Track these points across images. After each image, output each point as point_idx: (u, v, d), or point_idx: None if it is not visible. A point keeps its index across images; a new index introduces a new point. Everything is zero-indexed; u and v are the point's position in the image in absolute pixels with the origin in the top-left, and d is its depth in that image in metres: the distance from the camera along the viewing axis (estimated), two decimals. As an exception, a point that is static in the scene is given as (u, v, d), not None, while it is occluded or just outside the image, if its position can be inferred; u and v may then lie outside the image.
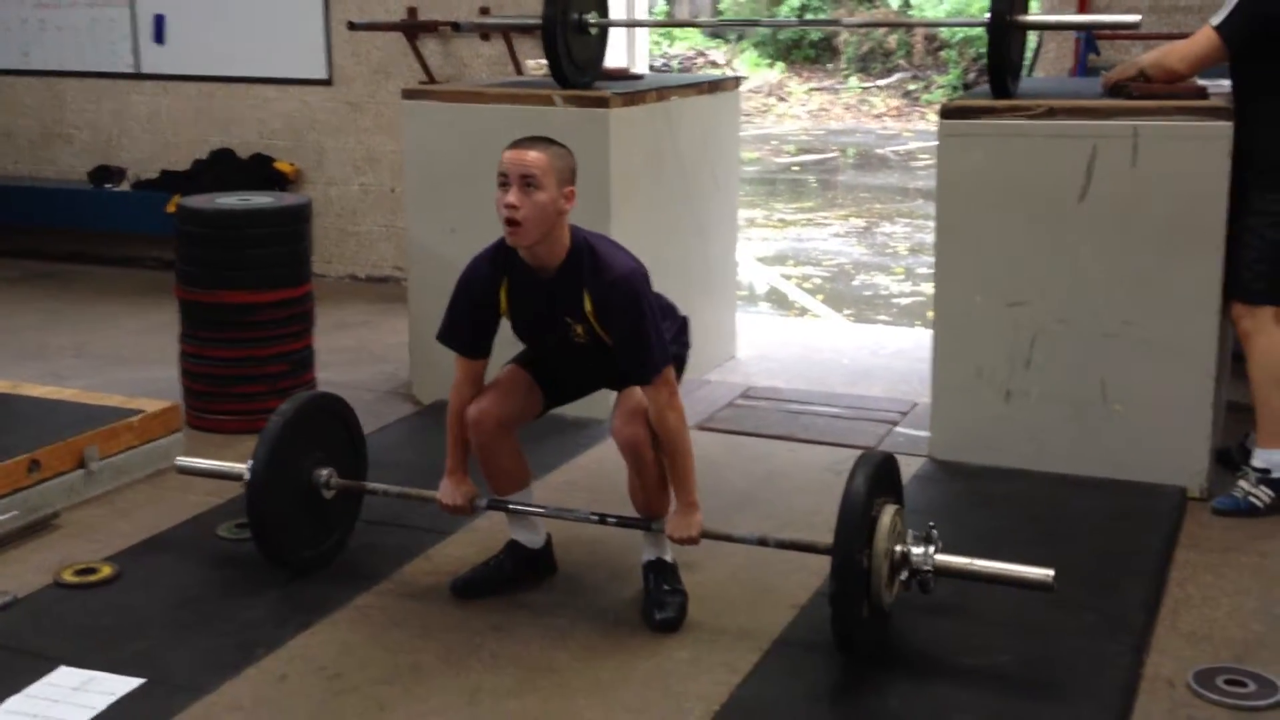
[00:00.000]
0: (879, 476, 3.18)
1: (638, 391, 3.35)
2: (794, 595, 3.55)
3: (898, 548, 3.16)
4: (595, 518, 3.55)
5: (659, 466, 3.38)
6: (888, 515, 3.15)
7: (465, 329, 3.43)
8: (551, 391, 3.58)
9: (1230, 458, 4.40)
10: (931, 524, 3.25)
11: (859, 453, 4.54)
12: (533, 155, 3.19)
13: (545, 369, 3.55)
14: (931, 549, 3.18)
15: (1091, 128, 4.16)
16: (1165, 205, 4.13)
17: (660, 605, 3.42)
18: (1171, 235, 4.15)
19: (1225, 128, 4.04)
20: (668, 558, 3.52)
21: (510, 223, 3.20)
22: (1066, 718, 2.95)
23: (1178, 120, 4.09)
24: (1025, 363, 4.34)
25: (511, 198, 3.17)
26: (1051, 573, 3.12)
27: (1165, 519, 4.02)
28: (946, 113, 4.38)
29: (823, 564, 3.71)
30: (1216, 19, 4.03)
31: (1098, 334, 4.25)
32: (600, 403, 4.31)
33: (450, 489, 3.55)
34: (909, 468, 4.43)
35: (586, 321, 3.31)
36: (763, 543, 3.42)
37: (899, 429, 4.88)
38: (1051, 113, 4.20)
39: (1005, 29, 4.25)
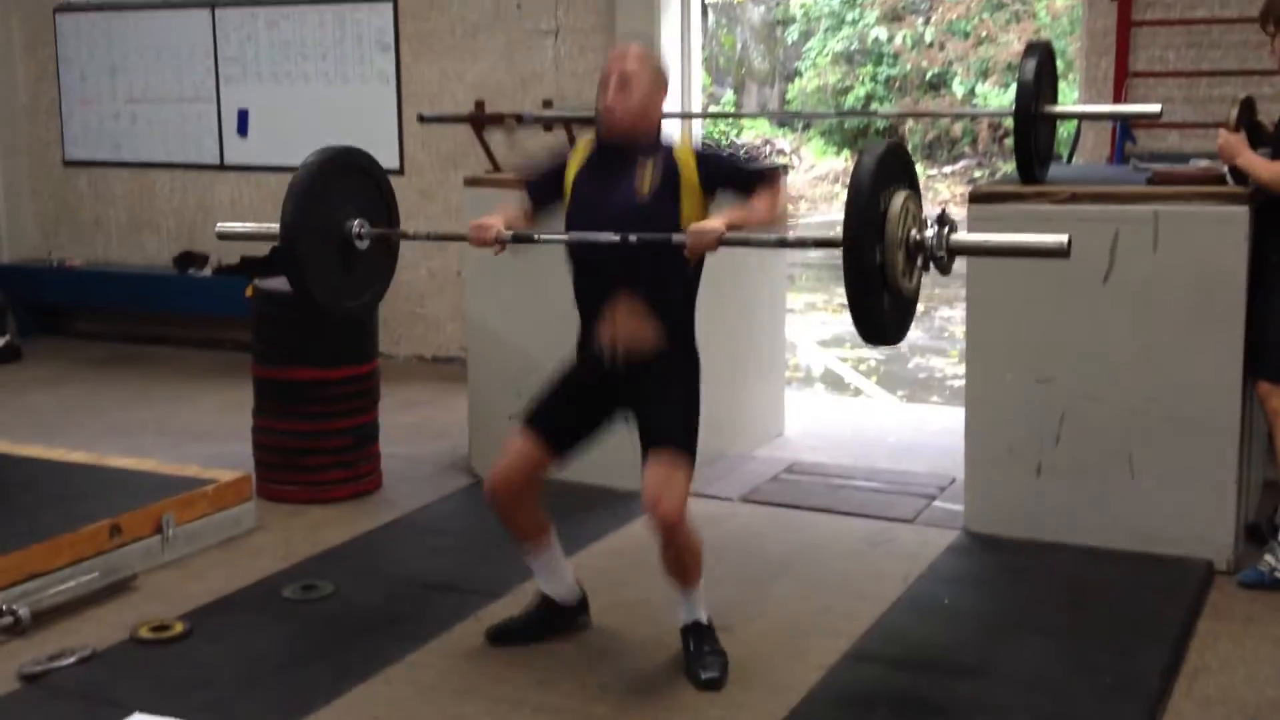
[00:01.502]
0: (886, 163, 3.08)
1: (660, 471, 3.45)
2: (823, 656, 3.71)
3: (912, 233, 3.11)
4: (616, 237, 3.45)
5: (693, 540, 3.56)
6: (898, 201, 3.08)
7: (535, 176, 3.73)
8: (561, 439, 3.68)
9: (1260, 533, 4.50)
10: (943, 208, 3.24)
11: (897, 525, 4.79)
12: (632, 53, 3.60)
13: (555, 408, 3.68)
14: (946, 229, 3.13)
15: (1114, 212, 4.35)
16: (1187, 286, 4.30)
17: (704, 666, 3.60)
18: (1194, 315, 4.31)
19: (1242, 212, 4.21)
20: (704, 619, 3.70)
21: (608, 112, 3.54)
22: (1076, 773, 3.09)
23: (1197, 205, 4.27)
24: (1055, 438, 4.50)
25: (609, 93, 3.53)
26: (1066, 238, 3.09)
27: (1189, 590, 4.13)
28: (975, 198, 4.59)
29: (853, 626, 3.91)
30: None
31: (1124, 410, 4.40)
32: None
33: (482, 223, 3.68)
34: (944, 540, 4.61)
35: (658, 171, 3.50)
36: (782, 243, 3.63)
37: (937, 503, 5.04)
38: (1075, 198, 4.40)
39: (1030, 119, 4.46)
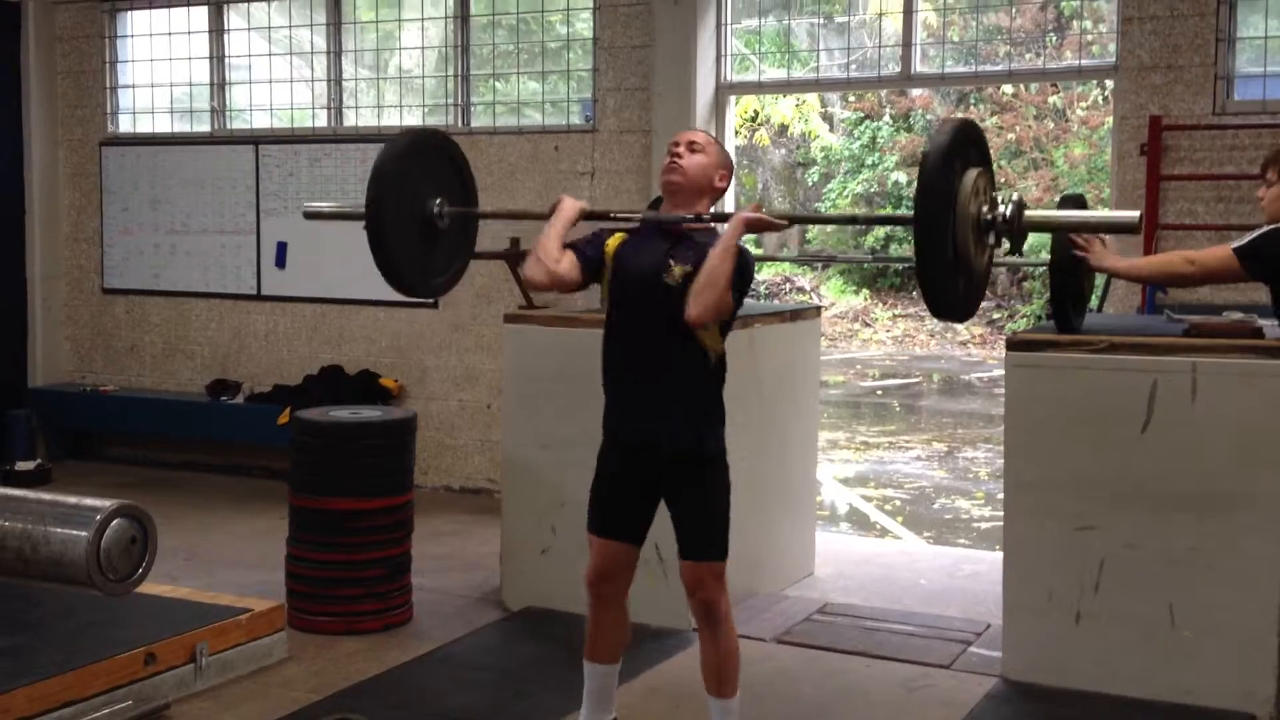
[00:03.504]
0: (959, 140, 3.12)
1: (700, 566, 3.66)
2: (865, 804, 3.67)
3: (984, 209, 3.12)
4: (690, 216, 3.66)
5: (732, 631, 3.65)
6: (970, 177, 3.11)
7: (583, 243, 3.79)
8: (629, 530, 3.81)
9: (1301, 686, 4.46)
10: (1017, 196, 3.25)
11: (934, 671, 4.75)
12: (701, 133, 3.82)
13: (612, 509, 3.80)
14: (1017, 206, 3.15)
15: (1151, 363, 4.40)
16: (1225, 436, 4.32)
17: None
18: (1233, 465, 4.32)
19: (1280, 365, 4.26)
20: (743, 759, 3.69)
21: (672, 164, 3.64)
22: None
23: (1235, 358, 4.32)
24: (1094, 586, 4.49)
25: (679, 149, 3.66)
26: (1137, 213, 3.14)
27: (1234, 744, 4.09)
28: (1013, 345, 4.65)
29: (893, 775, 3.85)
30: (1237, 243, 4.33)
31: (1164, 559, 4.40)
32: (681, 613, 4.52)
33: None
34: (982, 688, 4.56)
35: (688, 264, 3.56)
36: (853, 220, 3.79)
37: (973, 649, 4.99)
38: (1113, 348, 4.46)
39: (1067, 268, 4.54)
